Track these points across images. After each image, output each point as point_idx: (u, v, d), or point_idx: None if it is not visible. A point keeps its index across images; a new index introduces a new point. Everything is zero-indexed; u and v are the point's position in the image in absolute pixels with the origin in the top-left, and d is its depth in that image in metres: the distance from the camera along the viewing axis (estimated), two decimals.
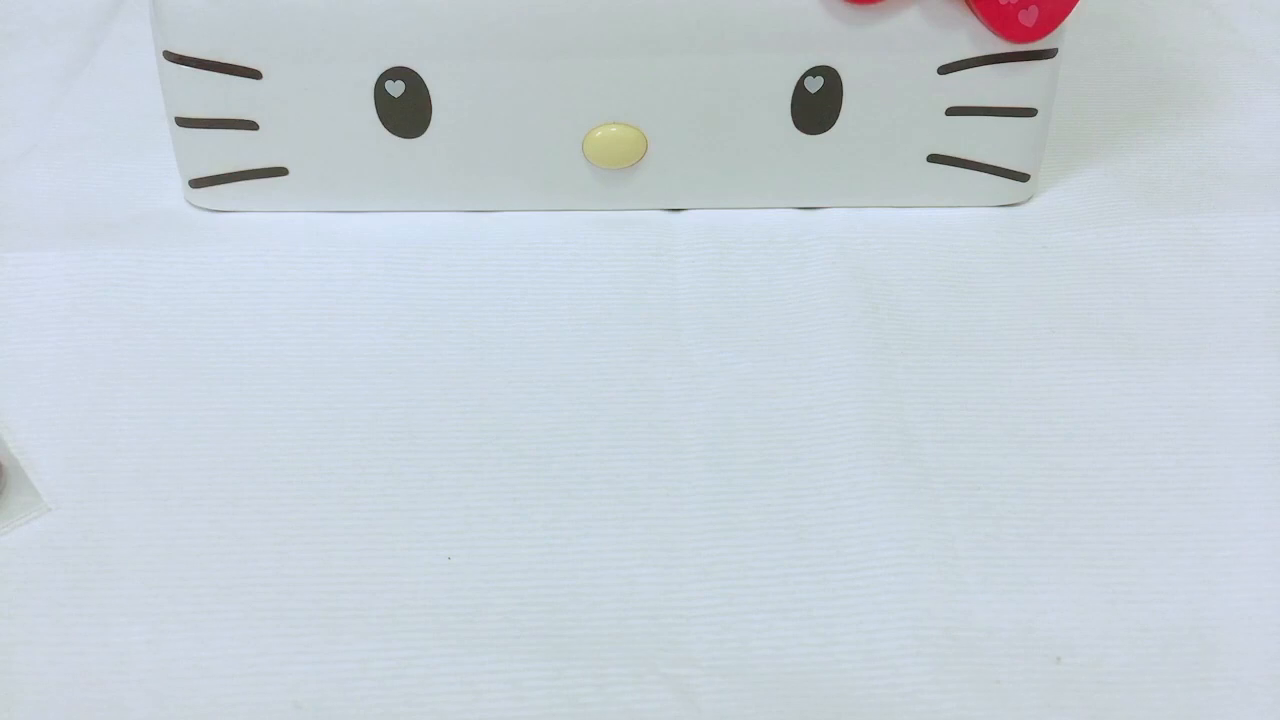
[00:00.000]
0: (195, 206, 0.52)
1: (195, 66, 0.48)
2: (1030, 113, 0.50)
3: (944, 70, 0.49)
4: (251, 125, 0.49)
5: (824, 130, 0.50)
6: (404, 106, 0.49)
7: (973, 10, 0.47)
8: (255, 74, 0.48)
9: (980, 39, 0.48)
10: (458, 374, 0.45)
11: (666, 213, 0.52)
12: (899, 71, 0.49)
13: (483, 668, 0.37)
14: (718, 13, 0.47)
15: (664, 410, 0.44)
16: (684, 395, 0.45)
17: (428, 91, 0.49)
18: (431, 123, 0.49)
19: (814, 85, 0.49)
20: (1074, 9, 0.47)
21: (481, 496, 0.41)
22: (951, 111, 0.50)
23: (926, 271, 0.50)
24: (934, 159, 0.51)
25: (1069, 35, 0.49)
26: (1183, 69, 0.61)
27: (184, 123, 0.50)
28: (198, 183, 0.51)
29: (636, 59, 0.48)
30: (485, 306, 0.48)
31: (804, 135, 0.50)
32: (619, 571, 0.39)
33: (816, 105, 0.49)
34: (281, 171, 0.51)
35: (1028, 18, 0.47)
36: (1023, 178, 0.52)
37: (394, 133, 0.50)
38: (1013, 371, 0.46)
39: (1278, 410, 0.44)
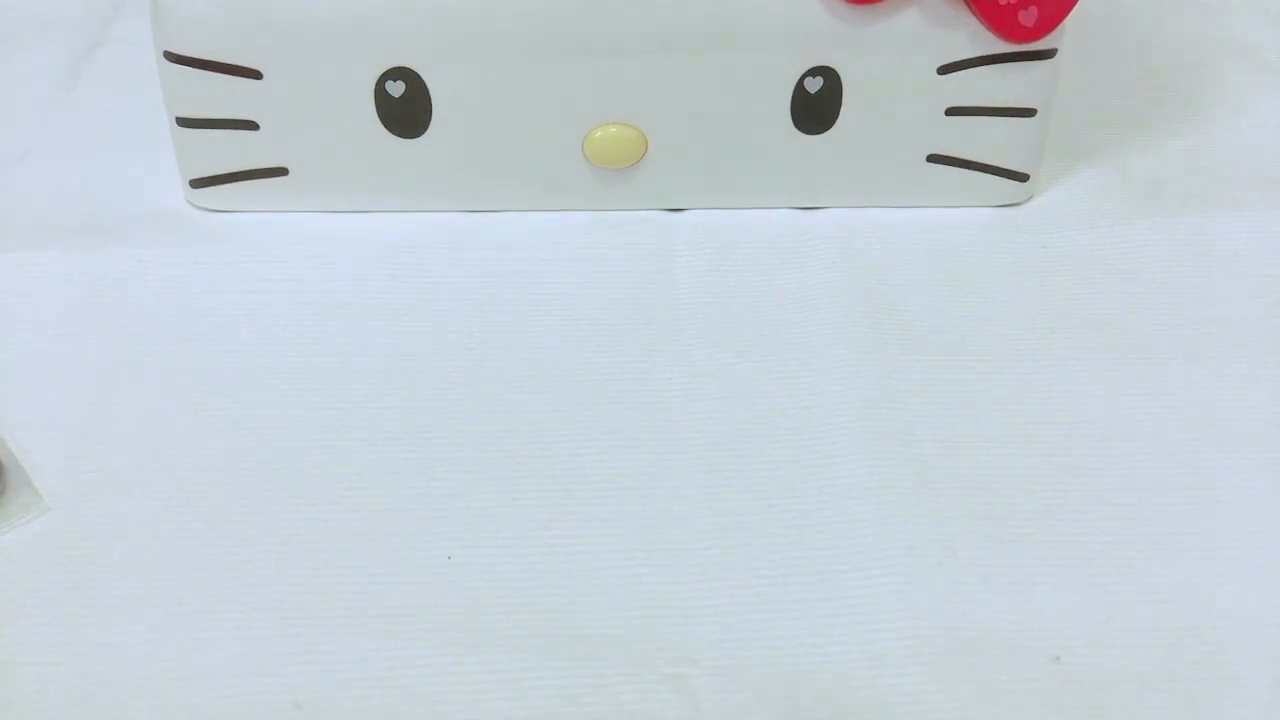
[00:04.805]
0: (195, 206, 0.52)
1: (195, 67, 0.48)
2: (1030, 113, 0.50)
3: (944, 70, 0.49)
4: (251, 125, 0.49)
5: (824, 130, 0.50)
6: (404, 106, 0.49)
7: (972, 10, 0.47)
8: (255, 74, 0.48)
9: (980, 39, 0.48)
10: (458, 374, 0.45)
11: (666, 213, 0.52)
12: (899, 71, 0.49)
13: (483, 667, 0.37)
14: (718, 13, 0.47)
15: (664, 410, 0.44)
16: (684, 395, 0.45)
17: (428, 91, 0.49)
18: (431, 123, 0.49)
19: (814, 85, 0.49)
20: (1073, 9, 0.47)
21: (481, 496, 0.41)
22: (951, 111, 0.50)
23: (926, 271, 0.50)
24: (934, 159, 0.51)
25: (1069, 35, 0.49)
26: (1183, 69, 0.61)
27: (184, 123, 0.50)
28: (198, 183, 0.51)
29: (636, 59, 0.48)
30: (485, 306, 0.48)
31: (804, 135, 0.50)
32: (619, 571, 0.39)
33: (816, 105, 0.49)
34: (281, 171, 0.51)
35: (1027, 18, 0.47)
36: (1022, 178, 0.52)
37: (394, 133, 0.50)
38: (1013, 371, 0.46)
39: (1278, 410, 0.44)
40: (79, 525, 0.40)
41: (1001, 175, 0.52)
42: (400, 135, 0.50)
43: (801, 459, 0.43)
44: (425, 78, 0.48)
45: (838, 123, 0.50)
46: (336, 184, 0.51)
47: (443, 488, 0.42)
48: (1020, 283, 0.49)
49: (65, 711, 0.36)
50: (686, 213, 0.52)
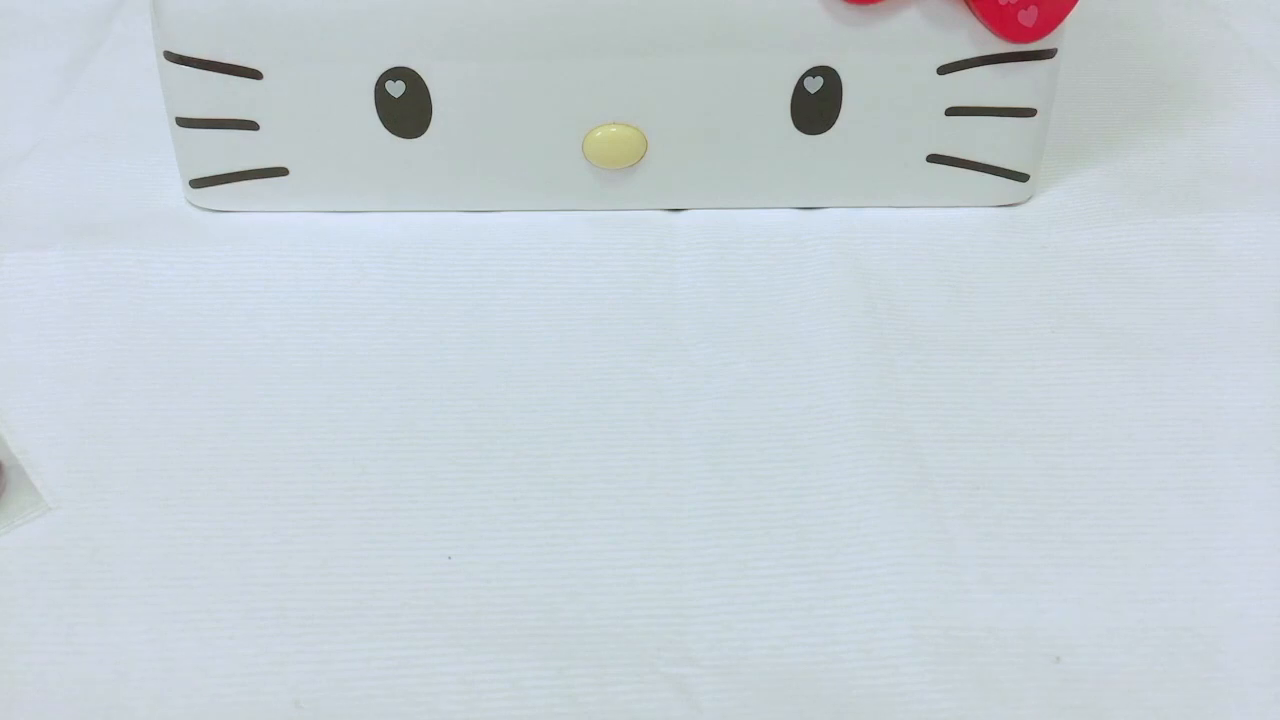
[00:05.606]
0: (195, 206, 0.52)
1: (196, 67, 0.48)
2: (1030, 113, 0.50)
3: (944, 70, 0.49)
4: (252, 125, 0.49)
5: (823, 130, 0.50)
6: (404, 106, 0.49)
7: (972, 10, 0.47)
8: (255, 74, 0.48)
9: (980, 39, 0.48)
10: (458, 374, 0.45)
11: (666, 213, 0.52)
12: (899, 71, 0.49)
13: (483, 667, 0.37)
14: (718, 13, 0.47)
15: (664, 410, 0.44)
16: (684, 395, 0.45)
17: (428, 91, 0.49)
18: (431, 123, 0.49)
19: (814, 85, 0.49)
20: (1074, 9, 0.47)
21: (481, 496, 0.41)
22: (951, 111, 0.50)
23: (926, 271, 0.50)
24: (933, 159, 0.51)
25: (1069, 35, 0.49)
26: (1183, 69, 0.61)
27: (184, 123, 0.50)
28: (198, 183, 0.51)
29: (636, 59, 0.48)
30: (485, 306, 0.48)
31: (803, 135, 0.50)
32: (619, 571, 0.39)
33: (816, 105, 0.49)
34: (281, 171, 0.51)
35: (1027, 18, 0.47)
36: (1022, 178, 0.52)
37: (394, 133, 0.50)
38: (1013, 371, 0.46)
39: (1278, 410, 0.44)
40: (79, 525, 0.40)
41: (1001, 175, 0.52)
42: (400, 135, 0.50)
43: (801, 459, 0.43)
44: (425, 78, 0.48)
45: (838, 123, 0.50)
46: (336, 184, 0.51)
47: (443, 488, 0.42)
48: (1020, 283, 0.49)
49: (65, 711, 0.36)
50: (686, 213, 0.52)
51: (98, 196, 0.52)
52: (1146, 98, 0.59)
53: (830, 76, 0.49)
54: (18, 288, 0.48)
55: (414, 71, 0.48)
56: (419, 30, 0.47)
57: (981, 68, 0.49)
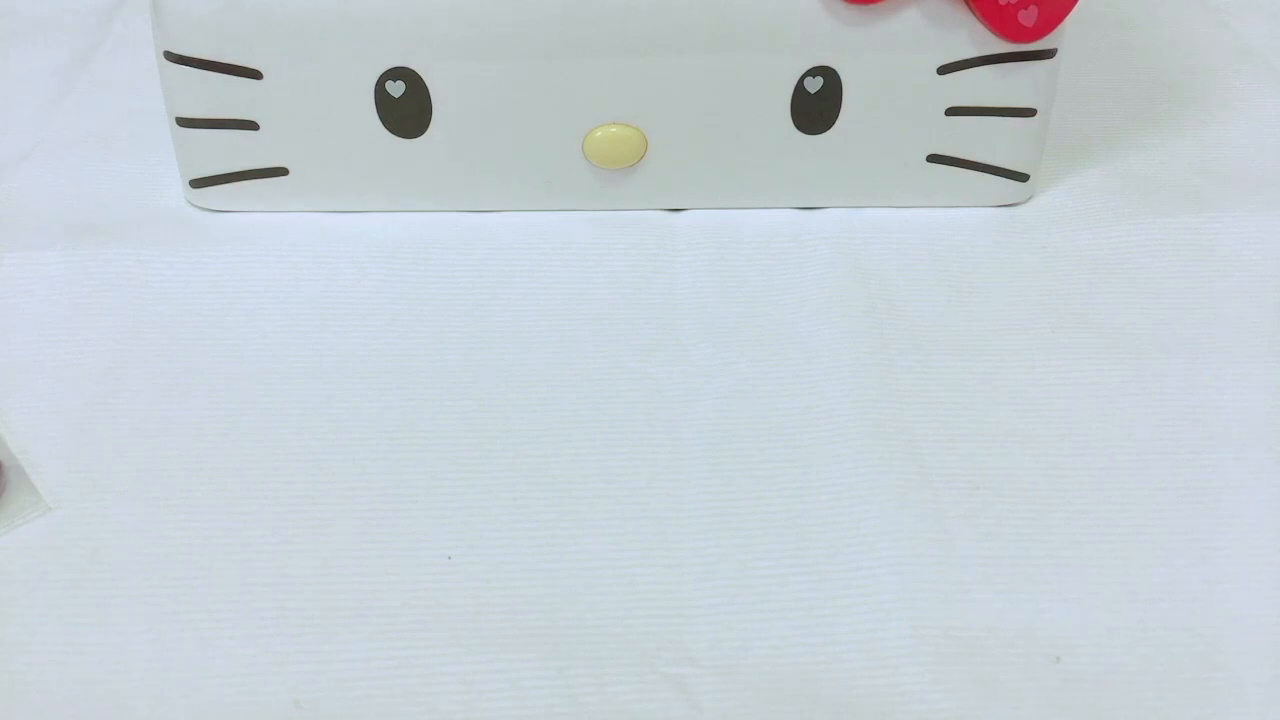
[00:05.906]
0: (195, 206, 0.52)
1: (196, 67, 0.48)
2: (1030, 113, 0.50)
3: (944, 70, 0.49)
4: (251, 125, 0.49)
5: (823, 130, 0.50)
6: (404, 106, 0.49)
7: (972, 10, 0.47)
8: (255, 74, 0.48)
9: (980, 39, 0.48)
10: (458, 374, 0.45)
11: (666, 213, 0.52)
12: (899, 71, 0.49)
13: (483, 667, 0.37)
14: (718, 13, 0.47)
15: (664, 410, 0.44)
16: (684, 395, 0.45)
17: (428, 91, 0.49)
18: (431, 123, 0.49)
19: (813, 85, 0.49)
20: (1074, 9, 0.47)
21: (481, 496, 0.41)
22: (951, 111, 0.50)
23: (926, 271, 0.50)
24: (933, 159, 0.51)
25: (1069, 35, 0.49)
26: (1183, 69, 0.61)
27: (184, 123, 0.50)
28: (198, 183, 0.51)
29: (636, 59, 0.48)
30: (485, 306, 0.48)
31: (803, 135, 0.50)
32: (619, 571, 0.39)
33: (816, 105, 0.49)
34: (281, 171, 0.51)
35: (1027, 18, 0.47)
36: (1022, 178, 0.52)
37: (394, 133, 0.50)
38: (1013, 371, 0.46)
39: (1278, 410, 0.44)
40: (79, 525, 0.40)
41: (1001, 175, 0.52)
42: (400, 135, 0.50)
43: (801, 459, 0.43)
44: (425, 78, 0.48)
45: (838, 123, 0.50)
46: (336, 184, 0.51)
47: (443, 488, 0.42)
48: (1020, 283, 0.49)
49: (65, 711, 0.36)
50: (686, 213, 0.52)
51: (98, 196, 0.52)
52: (1146, 98, 0.59)
53: (830, 76, 0.49)
54: (18, 288, 0.48)
55: (414, 71, 0.48)
56: (419, 30, 0.47)
57: (981, 68, 0.49)
